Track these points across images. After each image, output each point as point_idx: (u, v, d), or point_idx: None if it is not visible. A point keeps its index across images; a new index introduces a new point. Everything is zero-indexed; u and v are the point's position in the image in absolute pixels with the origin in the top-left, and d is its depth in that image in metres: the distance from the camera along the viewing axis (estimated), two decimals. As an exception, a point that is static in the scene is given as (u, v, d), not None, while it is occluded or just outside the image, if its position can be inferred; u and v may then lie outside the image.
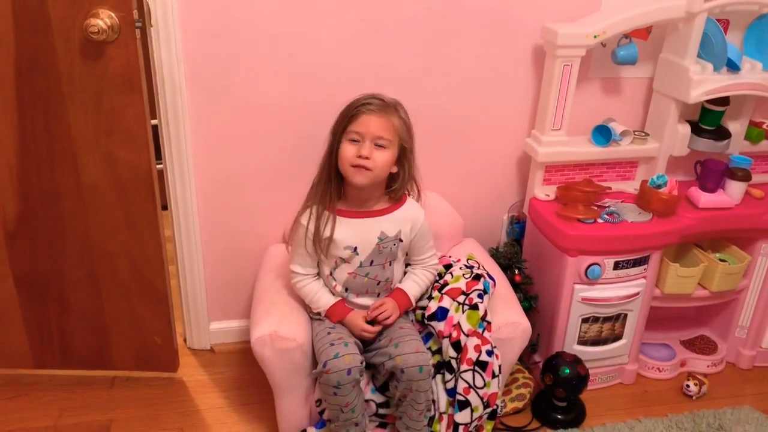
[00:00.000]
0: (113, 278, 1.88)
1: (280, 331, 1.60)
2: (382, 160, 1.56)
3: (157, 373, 2.05)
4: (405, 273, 1.77)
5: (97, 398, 1.96)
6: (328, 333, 1.62)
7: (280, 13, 1.81)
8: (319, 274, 1.72)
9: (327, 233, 1.61)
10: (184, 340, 2.21)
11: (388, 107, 1.57)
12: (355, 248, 1.63)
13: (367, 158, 1.53)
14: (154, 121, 1.77)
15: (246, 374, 2.08)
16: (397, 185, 1.65)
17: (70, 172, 1.73)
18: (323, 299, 1.69)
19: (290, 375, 1.64)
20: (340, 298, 1.69)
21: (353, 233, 1.63)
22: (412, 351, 1.57)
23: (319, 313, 1.70)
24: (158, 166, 1.80)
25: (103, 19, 1.54)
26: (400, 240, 1.67)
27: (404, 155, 1.62)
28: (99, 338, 1.97)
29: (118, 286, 1.90)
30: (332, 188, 1.61)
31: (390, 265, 1.69)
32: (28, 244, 1.83)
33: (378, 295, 1.71)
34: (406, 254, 1.74)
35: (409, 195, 1.71)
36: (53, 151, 1.71)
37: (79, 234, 1.82)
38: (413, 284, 1.74)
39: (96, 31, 1.53)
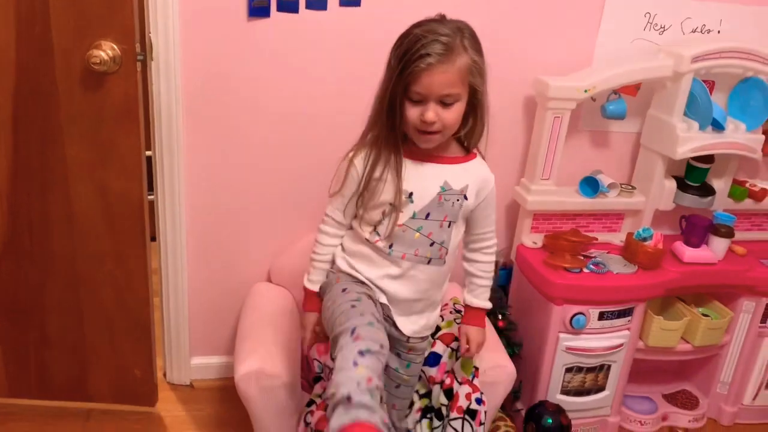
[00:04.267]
0: (97, 308, 1.87)
1: (266, 368, 1.58)
2: (450, 118, 1.33)
3: (135, 407, 2.01)
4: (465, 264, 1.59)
5: (73, 431, 1.91)
6: (353, 306, 1.34)
7: (278, 59, 1.85)
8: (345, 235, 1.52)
9: (382, 175, 1.39)
10: (164, 375, 2.18)
11: (452, 50, 1.27)
12: (411, 194, 1.39)
13: (433, 122, 1.31)
14: (148, 153, 1.79)
15: (226, 412, 2.05)
16: (468, 129, 1.42)
17: (62, 200, 1.73)
18: (318, 274, 1.54)
19: (275, 414, 1.62)
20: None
21: (410, 176, 1.39)
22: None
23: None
24: (149, 197, 1.81)
25: (106, 51, 1.57)
26: (465, 197, 1.43)
27: (475, 97, 1.36)
28: (78, 369, 1.93)
29: (102, 316, 1.88)
30: (393, 135, 1.37)
31: (449, 227, 1.44)
32: (13, 270, 1.81)
33: (429, 261, 1.45)
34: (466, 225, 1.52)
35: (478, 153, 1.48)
36: (46, 177, 1.71)
37: (66, 262, 1.80)
38: (484, 291, 1.58)
39: (98, 62, 1.56)
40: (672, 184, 2.09)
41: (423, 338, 1.60)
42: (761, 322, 2.12)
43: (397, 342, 1.56)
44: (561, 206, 2.08)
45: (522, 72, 2.00)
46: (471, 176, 1.43)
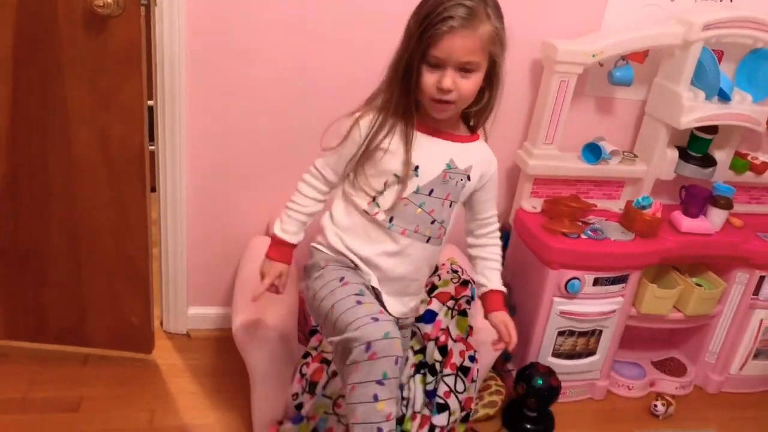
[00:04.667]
0: (95, 255, 1.87)
1: (263, 320, 1.60)
2: (468, 89, 1.27)
3: (131, 354, 2.03)
4: (472, 254, 1.54)
5: (69, 374, 1.93)
6: (358, 302, 1.28)
7: (285, 7, 1.82)
8: (329, 194, 1.44)
9: (386, 143, 1.31)
10: (161, 323, 2.20)
11: (475, 16, 1.22)
12: (417, 167, 1.33)
13: (449, 91, 1.25)
14: (150, 102, 1.77)
15: (221, 362, 2.07)
16: (481, 105, 1.36)
17: (62, 144, 1.72)
18: (292, 224, 1.43)
19: (270, 365, 1.64)
20: (298, 242, 1.44)
21: (418, 149, 1.32)
22: None
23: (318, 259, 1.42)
24: (150, 148, 1.80)
25: (109, -7, 1.54)
26: (468, 178, 1.38)
27: (493, 70, 1.30)
28: (75, 314, 1.95)
29: (100, 263, 1.88)
30: (406, 103, 1.30)
31: (450, 206, 1.39)
32: (11, 213, 1.81)
33: (428, 240, 1.39)
34: (466, 207, 1.48)
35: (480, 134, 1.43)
36: (46, 121, 1.69)
37: (65, 208, 1.80)
38: (498, 274, 1.52)
39: (101, 4, 1.53)
40: (674, 154, 2.08)
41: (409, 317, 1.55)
42: (753, 294, 2.14)
43: None
44: (562, 171, 2.07)
45: (530, 35, 1.97)
46: (475, 157, 1.39)
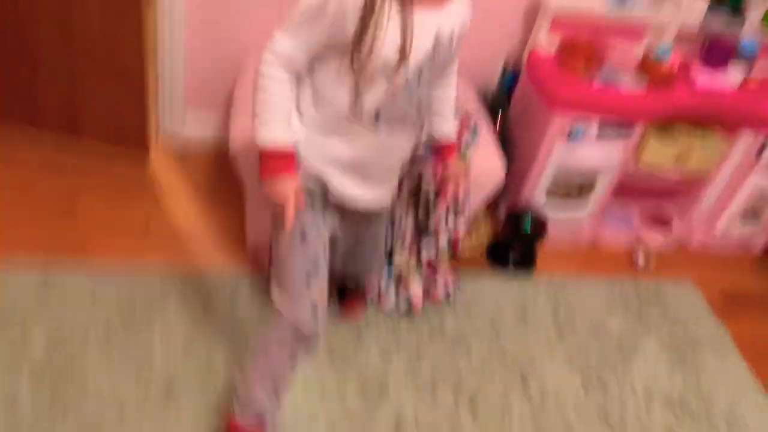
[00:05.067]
0: (89, 49, 1.82)
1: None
2: None
3: (130, 160, 2.03)
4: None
5: (66, 183, 1.93)
6: (308, 283, 1.24)
7: None
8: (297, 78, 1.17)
9: (381, 22, 1.05)
10: (157, 131, 2.17)
11: None
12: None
13: None
14: None
15: (217, 177, 2.09)
16: None
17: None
18: (276, 126, 1.16)
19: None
20: (293, 144, 1.19)
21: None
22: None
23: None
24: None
25: None
26: (451, 44, 1.17)
27: None
28: (69, 105, 1.94)
29: (94, 57, 1.84)
30: None
31: (431, 82, 1.22)
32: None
33: (414, 125, 1.24)
34: None
35: None
36: None
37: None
38: (451, 124, 1.41)
39: None
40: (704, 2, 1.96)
41: None
42: (756, 156, 2.12)
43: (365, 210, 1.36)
44: (584, 11, 1.95)
45: None
46: (454, 20, 1.16)
